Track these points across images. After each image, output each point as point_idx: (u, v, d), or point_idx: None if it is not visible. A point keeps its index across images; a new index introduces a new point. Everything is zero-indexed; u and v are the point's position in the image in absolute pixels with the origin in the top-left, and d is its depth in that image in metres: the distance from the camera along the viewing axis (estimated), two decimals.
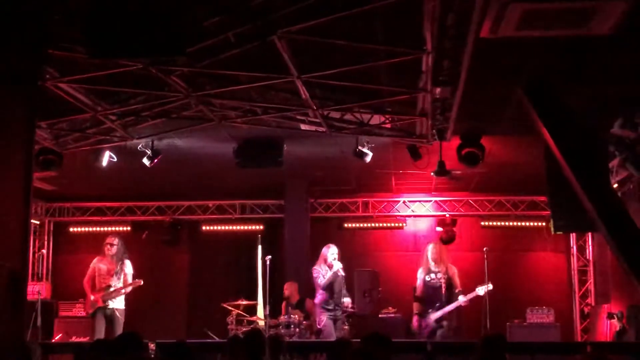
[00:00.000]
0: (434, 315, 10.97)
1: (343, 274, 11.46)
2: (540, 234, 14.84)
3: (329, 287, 11.42)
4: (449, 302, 11.01)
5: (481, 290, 10.95)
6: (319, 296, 11.55)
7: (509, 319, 13.34)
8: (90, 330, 11.49)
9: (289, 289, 12.96)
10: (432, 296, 11.08)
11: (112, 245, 11.52)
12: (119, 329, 11.20)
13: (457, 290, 11.07)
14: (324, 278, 11.46)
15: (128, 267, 11.58)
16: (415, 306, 11.30)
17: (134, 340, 6.49)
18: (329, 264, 11.48)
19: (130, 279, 11.53)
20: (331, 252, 11.53)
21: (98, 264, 11.56)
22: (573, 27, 6.80)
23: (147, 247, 15.43)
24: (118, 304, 11.43)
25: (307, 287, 13.12)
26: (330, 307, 11.41)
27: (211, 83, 8.85)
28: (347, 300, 11.57)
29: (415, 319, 11.24)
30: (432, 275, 11.14)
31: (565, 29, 6.86)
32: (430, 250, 11.30)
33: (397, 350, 7.07)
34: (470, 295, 10.95)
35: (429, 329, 11.01)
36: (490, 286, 10.97)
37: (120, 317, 11.34)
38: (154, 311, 14.97)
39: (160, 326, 14.32)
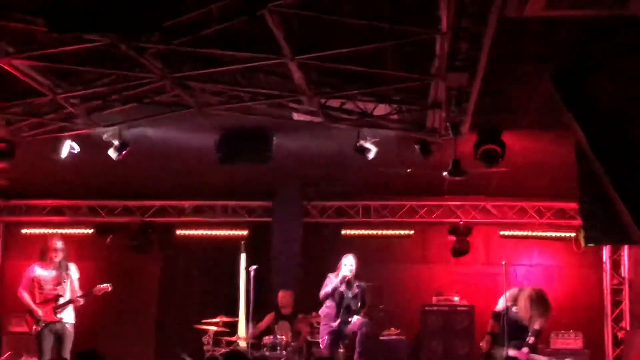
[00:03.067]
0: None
1: (355, 289, 11.36)
2: (569, 246, 14.87)
3: (336, 300, 11.27)
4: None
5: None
6: (324, 309, 11.47)
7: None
8: (37, 351, 11.29)
9: (285, 299, 13.01)
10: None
11: (57, 250, 11.30)
12: (69, 347, 11.10)
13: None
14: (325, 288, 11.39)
15: (74, 272, 11.49)
16: (490, 324, 10.85)
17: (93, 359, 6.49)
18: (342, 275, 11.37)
19: (77, 285, 11.43)
20: (345, 262, 11.43)
21: (38, 272, 11.34)
22: (609, 6, 6.79)
23: (112, 253, 15.42)
24: (68, 317, 11.30)
25: (299, 302, 13.16)
26: (333, 324, 11.29)
27: (190, 63, 8.82)
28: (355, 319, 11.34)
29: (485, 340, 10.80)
30: (514, 309, 10.68)
31: (601, 9, 6.85)
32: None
33: None
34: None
35: None
36: None
37: (71, 333, 11.24)
38: (117, 328, 14.97)
39: (124, 346, 14.34)
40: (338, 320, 11.19)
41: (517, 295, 10.69)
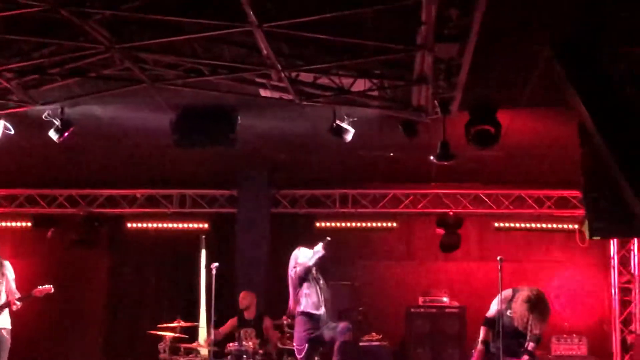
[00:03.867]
0: None
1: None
2: (572, 240, 14.95)
3: (308, 286, 10.76)
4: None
5: None
6: (303, 297, 10.45)
7: None
8: None
9: (246, 300, 12.99)
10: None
11: None
12: (5, 357, 11.09)
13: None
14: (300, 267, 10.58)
15: (9, 271, 11.45)
16: (482, 331, 10.88)
17: None
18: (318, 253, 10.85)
19: (14, 286, 11.39)
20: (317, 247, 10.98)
21: None
22: None
23: (54, 249, 15.38)
24: (3, 322, 11.28)
25: (266, 303, 13.16)
26: (317, 312, 10.42)
27: (142, 32, 8.76)
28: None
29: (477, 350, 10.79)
30: (509, 313, 10.66)
31: None
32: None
33: None
34: None
35: None
36: None
37: (8, 340, 11.22)
38: (59, 334, 14.94)
39: (68, 355, 14.30)
40: (322, 309, 10.64)
41: (512, 297, 10.71)
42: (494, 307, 10.70)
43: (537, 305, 10.46)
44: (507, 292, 10.71)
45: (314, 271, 10.52)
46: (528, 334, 10.42)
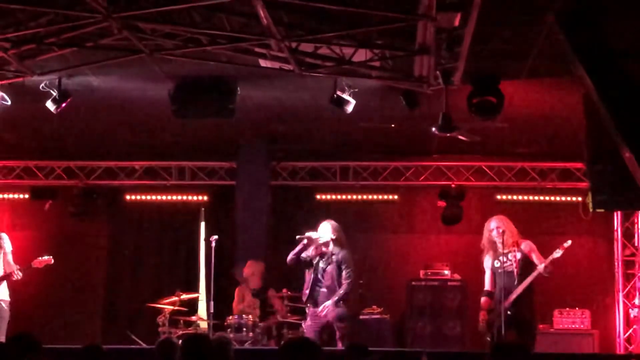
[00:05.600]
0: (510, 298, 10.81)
1: (332, 259, 11.20)
2: (575, 212, 14.96)
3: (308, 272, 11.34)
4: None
5: (558, 253, 11.02)
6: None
7: (537, 322, 13.48)
8: None
9: (251, 269, 13.02)
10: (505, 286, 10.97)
11: None
12: (4, 328, 11.14)
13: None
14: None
15: (7, 243, 11.47)
16: (482, 301, 11.15)
17: (29, 345, 6.47)
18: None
19: (11, 258, 11.41)
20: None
21: None
22: None
23: (51, 221, 15.38)
24: (2, 294, 11.32)
25: (268, 279, 13.19)
26: (309, 303, 11.29)
27: (139, 1, 8.73)
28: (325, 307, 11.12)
29: (481, 315, 11.09)
30: (503, 259, 11.02)
31: None
32: (495, 228, 11.17)
33: None
34: (550, 259, 10.94)
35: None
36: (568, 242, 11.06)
37: (6, 312, 11.27)
38: (58, 307, 14.97)
39: (67, 327, 14.34)
40: (306, 295, 11.22)
41: (492, 244, 10.99)
42: (488, 277, 10.99)
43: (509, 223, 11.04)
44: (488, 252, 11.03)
45: (313, 261, 11.24)
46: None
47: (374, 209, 15.58)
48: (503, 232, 10.94)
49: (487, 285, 11.17)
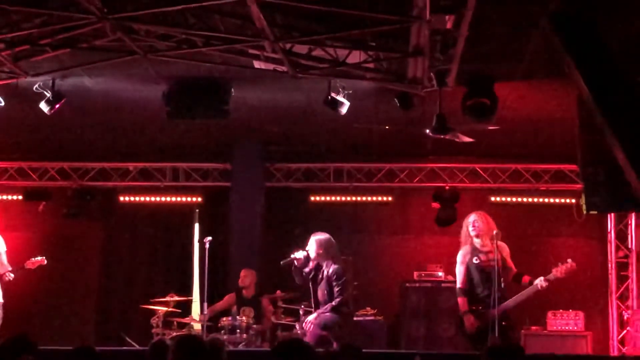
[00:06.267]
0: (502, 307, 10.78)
1: (323, 275, 11.08)
2: (569, 214, 14.94)
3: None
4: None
5: (561, 271, 11.01)
6: None
7: (524, 325, 13.49)
8: None
9: (248, 279, 13.03)
10: (481, 284, 10.96)
11: None
12: None
13: (514, 273, 10.98)
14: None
15: (1, 244, 11.46)
16: (462, 302, 11.12)
17: (24, 346, 6.45)
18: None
19: (5, 259, 11.41)
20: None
21: None
22: None
23: (45, 222, 15.35)
24: None
25: (260, 276, 13.19)
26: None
27: (134, 2, 8.74)
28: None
29: (467, 320, 10.96)
30: (482, 257, 11.01)
31: None
32: (472, 222, 11.19)
33: None
34: (551, 277, 10.94)
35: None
36: (573, 264, 11.05)
37: (0, 313, 11.27)
38: (52, 308, 14.95)
39: (60, 328, 14.33)
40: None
41: (468, 238, 11.02)
42: (460, 272, 10.99)
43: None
44: (465, 247, 11.02)
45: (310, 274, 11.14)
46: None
47: (368, 211, 15.58)
48: (478, 224, 10.97)
49: (460, 282, 11.08)
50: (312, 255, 11.07)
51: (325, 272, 11.02)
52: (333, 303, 10.85)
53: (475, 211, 11.45)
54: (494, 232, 11.05)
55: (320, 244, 11.06)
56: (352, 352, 6.82)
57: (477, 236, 11.04)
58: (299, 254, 11.05)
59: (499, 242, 10.95)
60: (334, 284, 10.92)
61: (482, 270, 10.91)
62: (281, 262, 11.18)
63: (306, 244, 11.09)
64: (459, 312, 11.08)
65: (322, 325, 10.81)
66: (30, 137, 13.99)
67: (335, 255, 11.14)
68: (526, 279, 10.92)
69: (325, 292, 10.96)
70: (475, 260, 10.99)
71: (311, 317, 10.92)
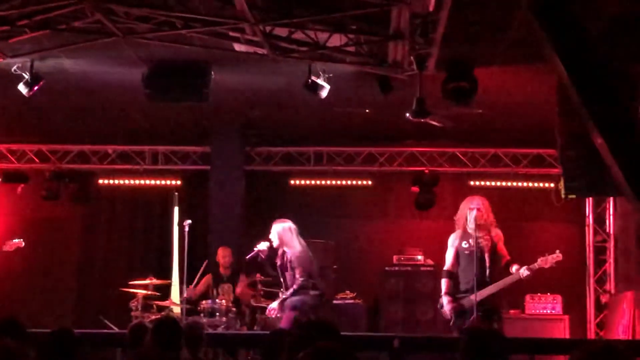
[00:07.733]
0: (483, 293, 10.80)
1: (287, 256, 11.51)
2: (547, 198, 14.99)
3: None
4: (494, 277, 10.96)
5: (546, 264, 11.04)
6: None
7: (503, 309, 13.53)
8: None
9: (228, 258, 13.04)
10: (468, 270, 10.96)
11: None
12: None
13: (506, 260, 11.01)
14: None
15: None
16: (445, 284, 11.13)
17: (14, 329, 6.43)
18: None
19: None
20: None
21: None
22: None
23: (23, 205, 15.31)
24: None
25: (240, 260, 13.20)
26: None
27: None
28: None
29: (447, 302, 11.02)
30: (471, 242, 10.99)
31: None
32: (475, 209, 11.07)
33: (354, 347, 7.12)
34: (535, 267, 10.97)
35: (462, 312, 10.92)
36: (559, 256, 11.06)
37: None
38: (30, 291, 14.92)
39: (38, 312, 14.28)
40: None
41: (464, 222, 11.04)
42: (450, 256, 11.01)
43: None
44: (456, 232, 11.04)
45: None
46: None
47: (347, 195, 15.59)
48: (481, 214, 10.93)
49: (449, 265, 11.13)
50: (275, 243, 11.44)
51: (286, 258, 11.42)
52: (295, 286, 11.24)
53: (478, 196, 11.41)
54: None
55: (279, 232, 11.49)
56: (326, 328, 6.78)
57: (474, 224, 10.92)
58: (262, 246, 11.49)
59: (495, 230, 11.01)
60: (295, 267, 11.33)
61: (470, 254, 10.93)
62: (246, 257, 11.45)
63: None
64: (440, 293, 11.13)
65: (291, 307, 11.18)
66: (8, 120, 13.90)
67: (289, 240, 11.48)
68: (513, 266, 10.93)
69: (292, 277, 11.35)
70: (464, 245, 11.00)
71: (274, 304, 11.36)
